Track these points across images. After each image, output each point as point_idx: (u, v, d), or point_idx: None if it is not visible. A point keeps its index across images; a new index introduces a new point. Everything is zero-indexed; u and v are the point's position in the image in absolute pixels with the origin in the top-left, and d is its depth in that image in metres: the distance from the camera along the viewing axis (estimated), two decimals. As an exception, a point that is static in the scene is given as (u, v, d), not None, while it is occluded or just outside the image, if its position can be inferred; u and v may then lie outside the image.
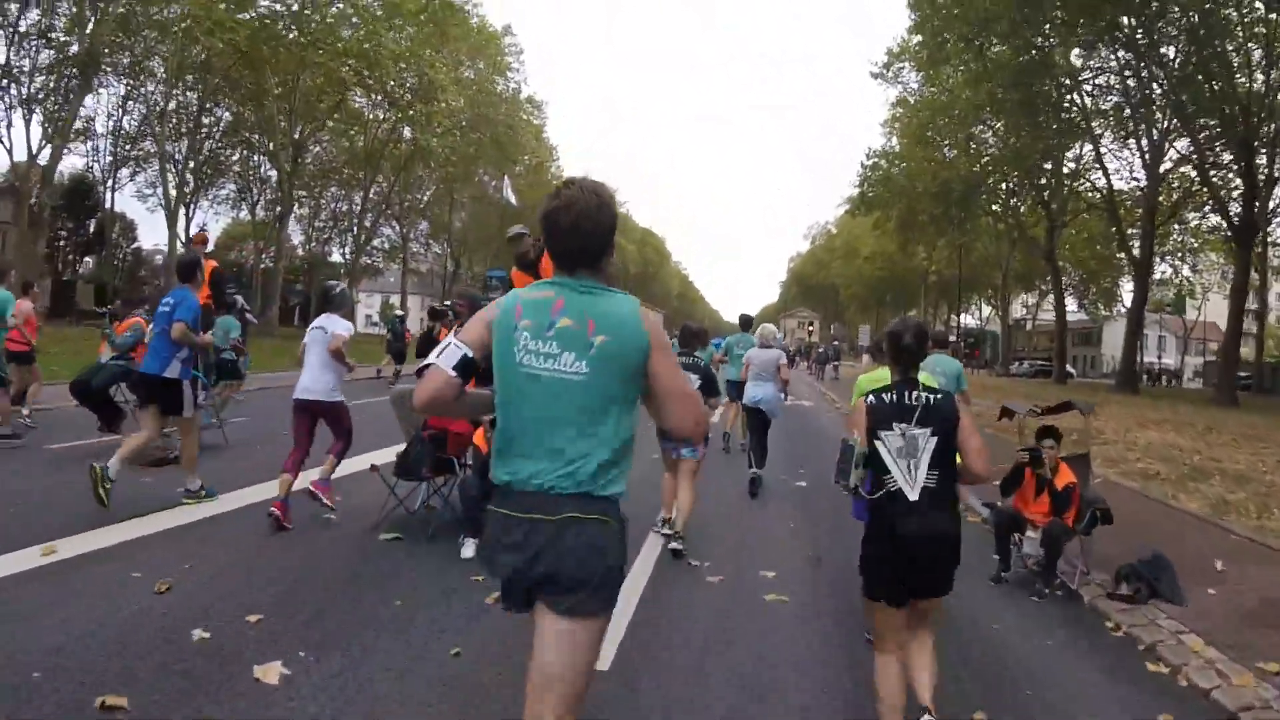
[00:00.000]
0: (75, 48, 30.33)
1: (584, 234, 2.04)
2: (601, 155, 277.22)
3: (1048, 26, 26.32)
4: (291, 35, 33.46)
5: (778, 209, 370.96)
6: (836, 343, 48.12)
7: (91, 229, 50.90)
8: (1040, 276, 55.32)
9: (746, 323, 12.52)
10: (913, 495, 3.02)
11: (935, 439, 3.05)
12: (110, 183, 41.40)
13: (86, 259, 55.77)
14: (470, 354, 2.06)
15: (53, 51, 31.37)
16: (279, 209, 42.85)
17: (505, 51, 50.02)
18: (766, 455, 9.11)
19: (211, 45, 31.10)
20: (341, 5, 35.82)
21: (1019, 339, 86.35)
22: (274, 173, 42.05)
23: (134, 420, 8.60)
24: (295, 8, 33.81)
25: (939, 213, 39.51)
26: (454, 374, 2.05)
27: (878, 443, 3.09)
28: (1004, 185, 39.23)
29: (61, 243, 53.53)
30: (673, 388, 2.06)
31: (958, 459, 3.14)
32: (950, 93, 34.92)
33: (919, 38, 35.52)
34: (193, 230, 45.75)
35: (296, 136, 38.34)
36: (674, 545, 6.05)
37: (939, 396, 3.14)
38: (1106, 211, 34.99)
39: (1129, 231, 35.02)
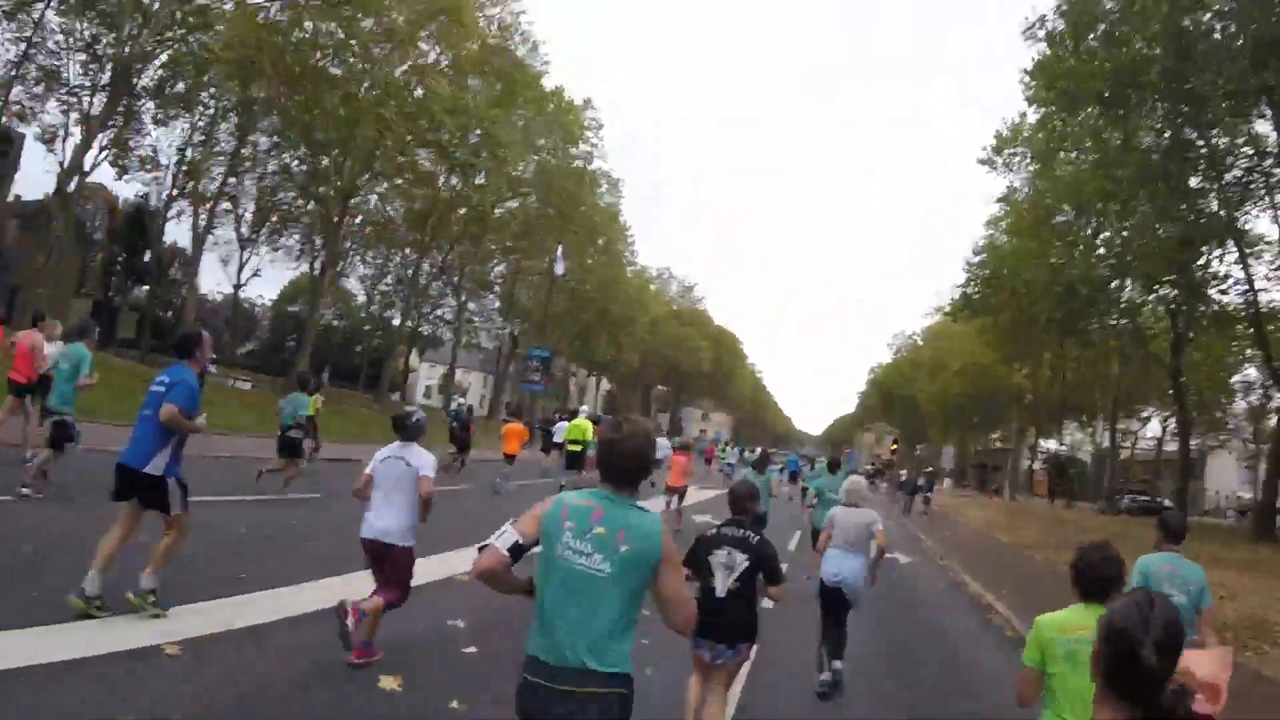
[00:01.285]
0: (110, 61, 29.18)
1: (633, 463, 2.64)
2: (680, 243, 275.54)
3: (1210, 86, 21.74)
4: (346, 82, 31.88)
5: (860, 316, 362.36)
6: (930, 469, 42.12)
7: (147, 258, 50.16)
8: (1151, 398, 49.49)
9: (835, 464, 12.17)
10: None
11: None
12: (167, 214, 40.59)
13: (141, 288, 55.32)
14: (521, 541, 2.58)
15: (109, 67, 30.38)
16: (323, 258, 40.85)
17: (585, 125, 48.06)
18: (845, 642, 6.61)
19: (255, 74, 29.46)
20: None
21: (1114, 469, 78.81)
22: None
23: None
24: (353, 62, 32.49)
25: (1059, 317, 34.48)
26: (506, 554, 2.57)
27: None
28: (1124, 290, 34.20)
29: (118, 267, 53.22)
30: (672, 596, 2.62)
31: None
32: (1074, 179, 30.69)
33: (1036, 114, 32.06)
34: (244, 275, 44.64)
35: (344, 183, 36.28)
36: None
37: None
38: (1251, 324, 29.50)
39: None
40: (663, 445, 29.10)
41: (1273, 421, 49.89)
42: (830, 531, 6.59)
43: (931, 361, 76.65)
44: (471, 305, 61.50)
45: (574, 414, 30.21)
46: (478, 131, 34.99)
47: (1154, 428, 70.07)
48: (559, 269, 41.87)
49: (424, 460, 5.49)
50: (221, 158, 38.37)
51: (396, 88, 33.03)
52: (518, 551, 2.56)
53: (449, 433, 20.89)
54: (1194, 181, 26.23)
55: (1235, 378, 46.47)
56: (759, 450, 14.14)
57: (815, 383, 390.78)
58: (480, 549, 2.61)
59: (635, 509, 2.58)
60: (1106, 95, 24.97)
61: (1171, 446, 64.73)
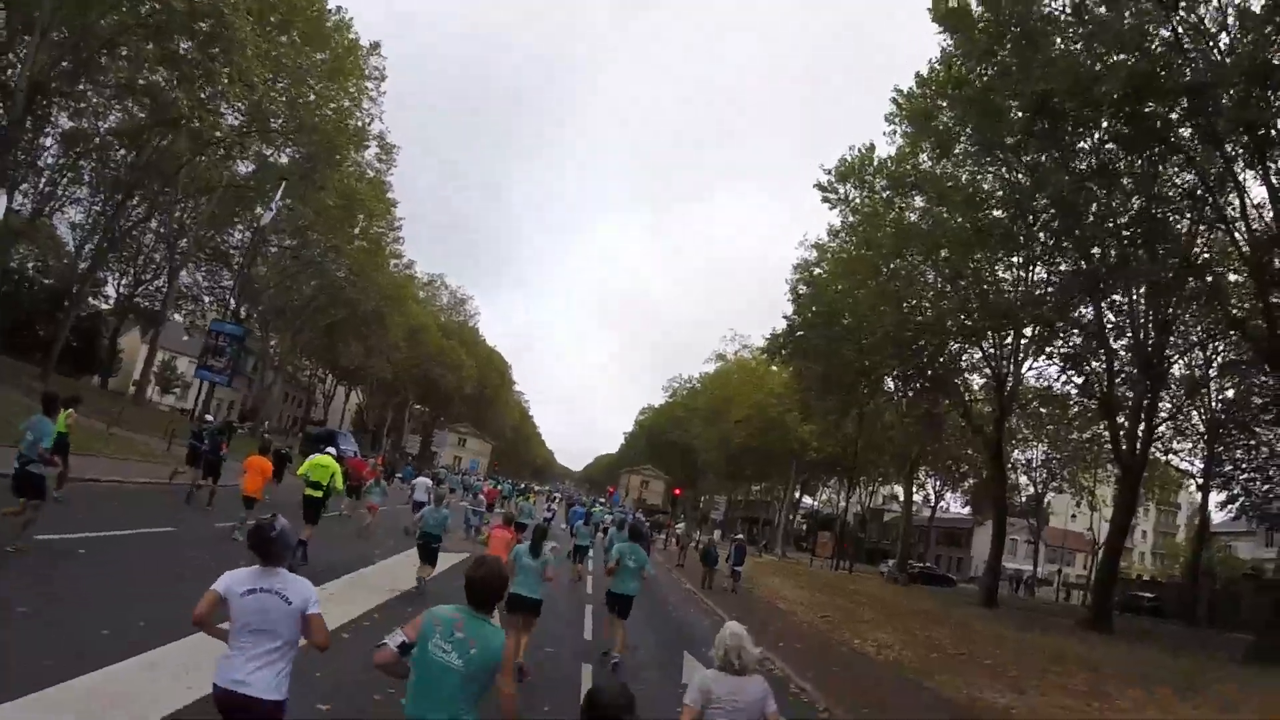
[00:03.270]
0: None
1: (490, 593, 3.67)
2: (454, 252, 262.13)
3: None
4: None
5: (637, 352, 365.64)
6: (741, 536, 33.67)
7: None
8: (938, 463, 48.87)
9: (637, 532, 11.82)
10: None
11: None
12: None
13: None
14: (407, 640, 3.54)
15: None
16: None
17: (364, 72, 39.09)
18: None
19: None
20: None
21: (874, 531, 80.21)
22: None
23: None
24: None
25: (896, 368, 31.41)
26: (398, 650, 3.53)
27: None
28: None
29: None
30: (503, 688, 3.59)
31: None
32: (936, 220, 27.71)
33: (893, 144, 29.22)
34: None
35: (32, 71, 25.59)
36: None
37: None
38: (1098, 403, 27.70)
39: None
40: (420, 485, 22.90)
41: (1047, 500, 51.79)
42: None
43: (709, 409, 73.91)
44: (202, 281, 50.17)
45: (320, 440, 22.46)
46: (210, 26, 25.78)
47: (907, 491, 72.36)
48: (267, 217, 31.75)
49: (304, 592, 3.93)
50: None
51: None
52: (405, 649, 3.54)
53: (188, 453, 17.78)
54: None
55: (1016, 453, 46.56)
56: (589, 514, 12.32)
57: (582, 417, 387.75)
58: (377, 647, 3.60)
59: (487, 624, 3.61)
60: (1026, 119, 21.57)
61: (949, 518, 66.60)
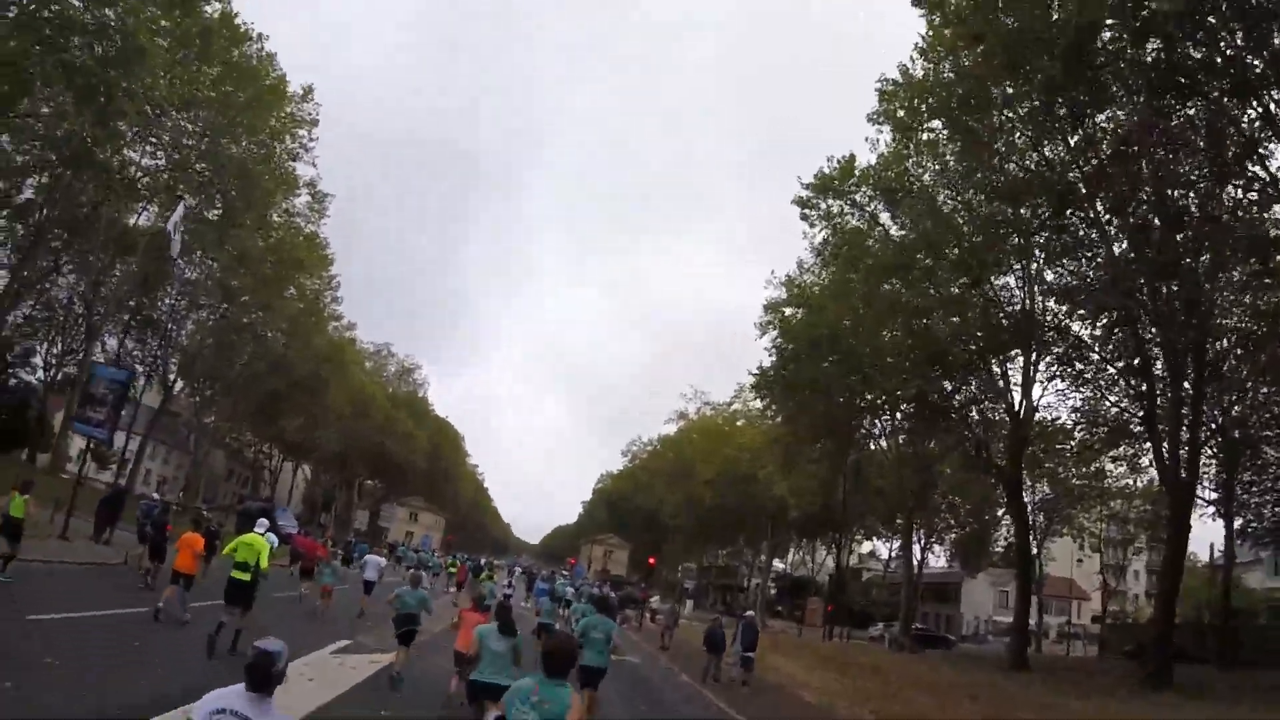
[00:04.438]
0: None
1: (564, 661, 4.35)
2: (400, 321, 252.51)
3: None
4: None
5: (591, 419, 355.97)
6: (750, 613, 23.05)
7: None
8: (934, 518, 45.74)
9: (604, 603, 12.68)
10: None
11: None
12: None
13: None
14: (500, 714, 4.44)
15: None
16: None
17: (294, 117, 35.95)
18: None
19: None
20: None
21: (853, 592, 76.23)
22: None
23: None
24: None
25: (915, 395, 28.47)
26: None
27: None
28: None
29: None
30: None
31: None
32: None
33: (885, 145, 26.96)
34: None
35: None
36: None
37: None
38: (1141, 419, 24.78)
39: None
40: (371, 563, 21.06)
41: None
42: None
43: (673, 470, 70.29)
44: (131, 348, 45.77)
45: (254, 516, 19.47)
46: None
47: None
48: (174, 245, 25.88)
49: None
50: None
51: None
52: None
53: (139, 533, 17.87)
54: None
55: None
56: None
57: (534, 491, 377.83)
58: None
59: (561, 687, 4.19)
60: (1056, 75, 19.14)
61: (935, 572, 63.25)
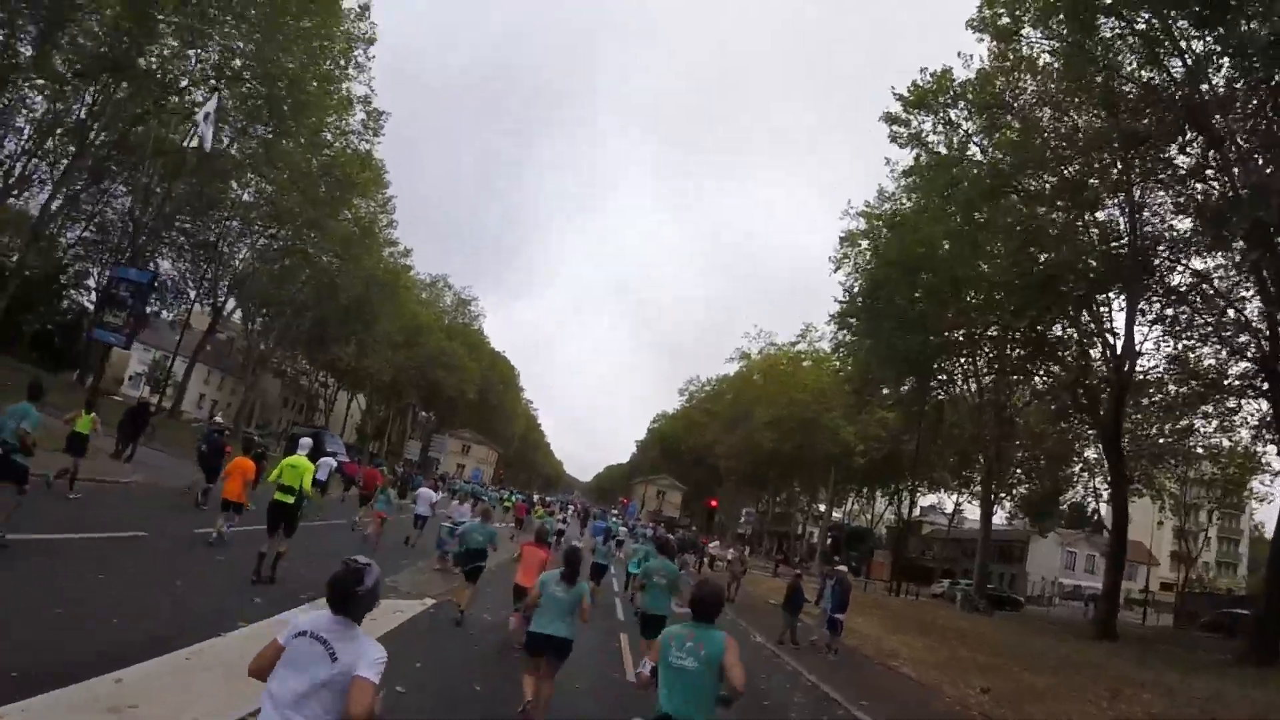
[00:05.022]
0: None
1: (713, 607, 4.62)
2: (457, 255, 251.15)
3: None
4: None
5: (650, 357, 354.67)
6: (840, 565, 21.32)
7: None
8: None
9: (666, 546, 11.69)
10: None
11: None
12: None
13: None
14: (654, 664, 4.79)
15: None
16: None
17: (349, 34, 34.06)
18: None
19: None
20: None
21: (911, 544, 73.83)
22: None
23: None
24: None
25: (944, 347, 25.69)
26: (650, 675, 4.90)
27: None
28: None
29: None
30: (732, 662, 4.37)
31: None
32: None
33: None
34: None
35: None
36: None
37: None
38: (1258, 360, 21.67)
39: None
40: (423, 496, 19.87)
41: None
42: None
43: (731, 413, 68.05)
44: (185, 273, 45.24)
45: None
46: None
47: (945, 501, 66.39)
48: (206, 135, 24.35)
49: (366, 654, 3.09)
50: None
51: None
52: (655, 672, 4.64)
53: (198, 457, 17.63)
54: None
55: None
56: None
57: (588, 428, 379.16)
58: (637, 673, 6.04)
59: (712, 630, 4.54)
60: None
61: (1002, 530, 60.52)
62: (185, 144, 30.41)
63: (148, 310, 35.11)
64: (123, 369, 58.94)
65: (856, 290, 31.81)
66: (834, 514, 76.83)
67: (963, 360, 32.48)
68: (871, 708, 11.15)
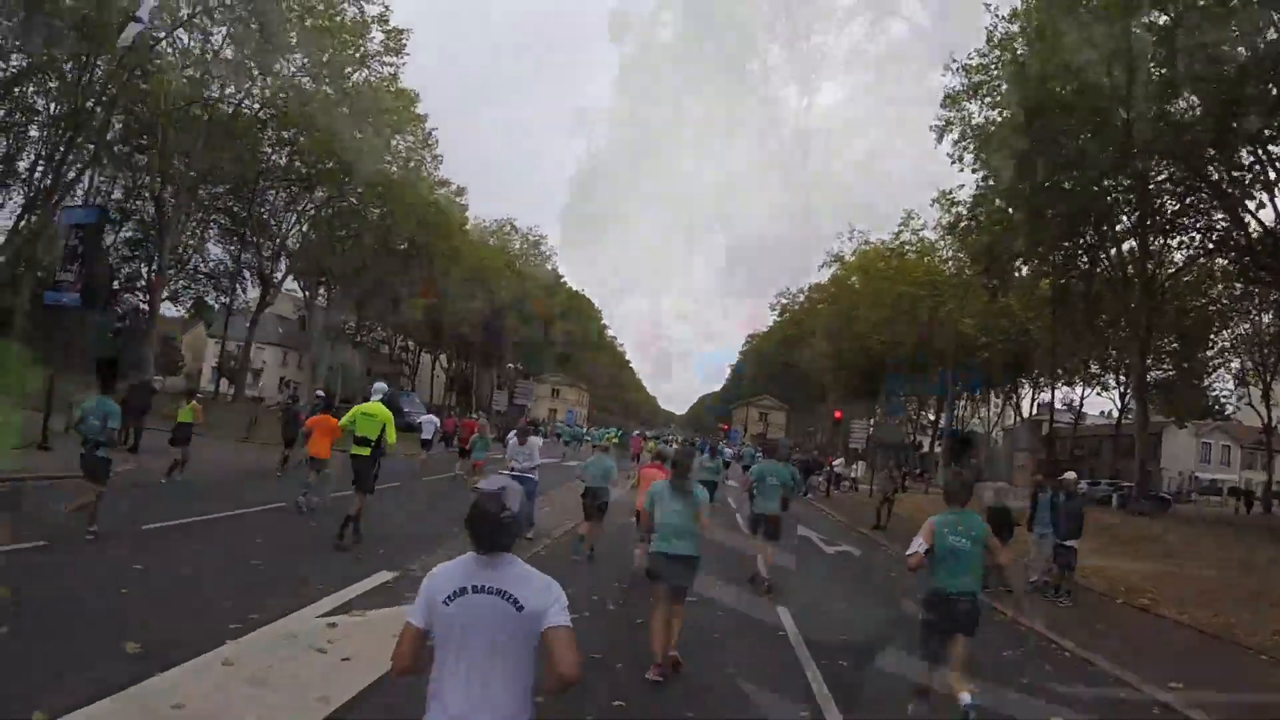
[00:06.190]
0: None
1: (963, 492, 5.72)
2: (519, 197, 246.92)
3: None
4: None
5: (733, 280, 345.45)
6: (1070, 475, 13.20)
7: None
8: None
9: (775, 450, 12.52)
10: None
11: None
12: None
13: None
14: (927, 545, 5.36)
15: None
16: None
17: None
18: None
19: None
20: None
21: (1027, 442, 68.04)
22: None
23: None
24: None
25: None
26: (924, 555, 5.39)
27: None
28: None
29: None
30: (998, 555, 5.56)
31: None
32: None
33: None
34: None
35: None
36: None
37: None
38: None
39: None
40: (428, 422, 21.23)
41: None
42: None
43: (830, 319, 62.84)
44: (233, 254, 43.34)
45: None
46: None
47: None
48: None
49: (544, 593, 2.65)
50: None
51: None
52: (929, 551, 5.29)
53: (281, 427, 18.53)
54: None
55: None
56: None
57: (679, 360, 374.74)
58: (909, 555, 5.43)
59: (974, 515, 5.51)
60: None
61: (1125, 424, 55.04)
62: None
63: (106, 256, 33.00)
64: (196, 362, 58.54)
65: (994, 125, 26.31)
66: (943, 420, 71.43)
67: (1126, 215, 26.81)
68: (1188, 693, 6.87)
